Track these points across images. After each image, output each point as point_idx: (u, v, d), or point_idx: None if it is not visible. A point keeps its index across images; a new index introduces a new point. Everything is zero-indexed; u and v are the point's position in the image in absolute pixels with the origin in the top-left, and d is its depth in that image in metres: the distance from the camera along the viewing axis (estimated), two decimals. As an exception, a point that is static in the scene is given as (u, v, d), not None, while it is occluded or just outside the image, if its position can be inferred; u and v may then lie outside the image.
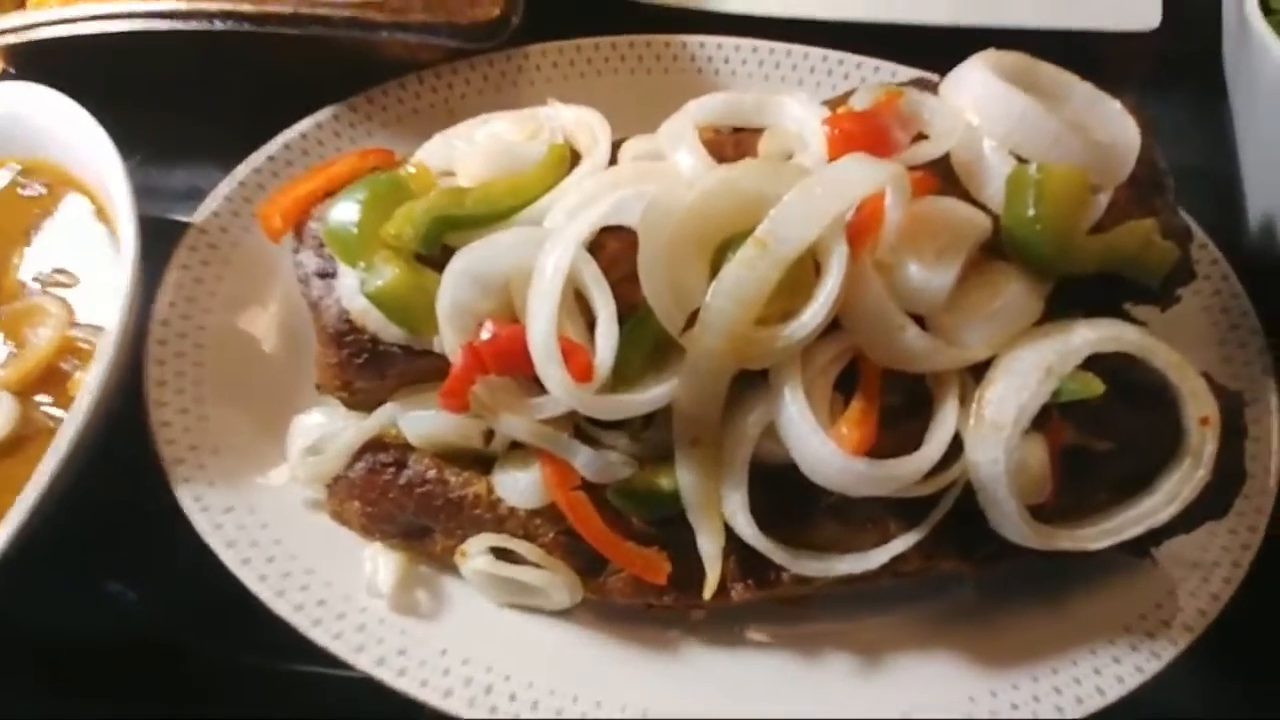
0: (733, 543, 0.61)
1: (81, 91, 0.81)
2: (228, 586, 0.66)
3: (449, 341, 0.57)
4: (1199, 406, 0.56)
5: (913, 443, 0.58)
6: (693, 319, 0.54)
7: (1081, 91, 0.63)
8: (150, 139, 0.96)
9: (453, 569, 0.69)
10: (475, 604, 0.68)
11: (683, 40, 0.89)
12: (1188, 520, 0.61)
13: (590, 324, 0.57)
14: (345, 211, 0.59)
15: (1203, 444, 0.56)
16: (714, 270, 0.55)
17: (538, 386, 0.57)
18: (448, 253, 0.59)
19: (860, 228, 0.53)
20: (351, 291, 0.60)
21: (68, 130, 0.80)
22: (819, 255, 0.54)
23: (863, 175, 0.53)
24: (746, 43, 0.89)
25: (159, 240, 0.79)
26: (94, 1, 0.83)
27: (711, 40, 0.89)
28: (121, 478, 0.71)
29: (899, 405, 0.58)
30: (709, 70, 0.89)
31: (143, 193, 0.87)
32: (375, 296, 0.57)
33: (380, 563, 0.68)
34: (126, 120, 0.78)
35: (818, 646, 0.66)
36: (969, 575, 0.64)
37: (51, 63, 0.88)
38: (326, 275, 0.62)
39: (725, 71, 0.89)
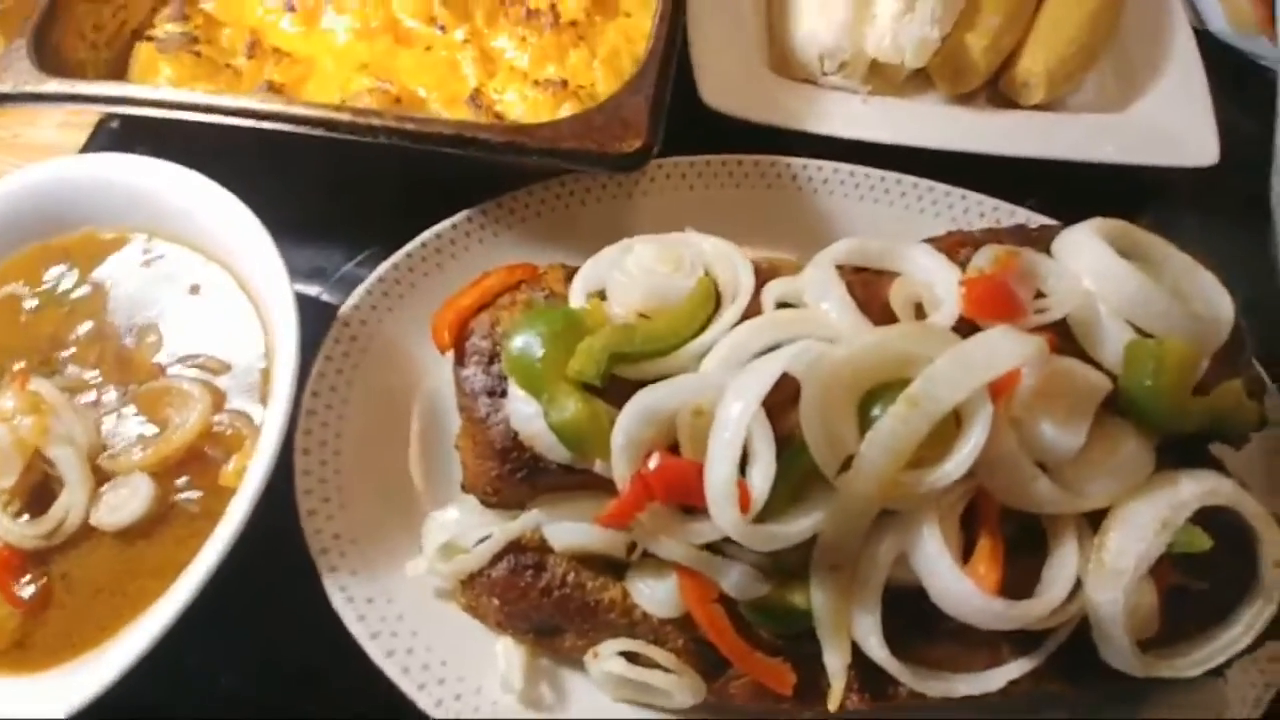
0: (856, 660, 0.65)
1: (197, 159, 0.81)
2: (352, 676, 0.68)
3: (621, 471, 0.62)
4: (1275, 551, 0.63)
5: (1027, 575, 0.63)
6: (845, 463, 0.60)
7: (1177, 260, 0.70)
8: (273, 212, 1.00)
9: (571, 661, 0.73)
10: (594, 699, 0.72)
11: (786, 161, 0.95)
12: (1253, 645, 0.67)
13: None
14: (529, 345, 0.64)
15: (1275, 585, 0.63)
16: (861, 416, 0.61)
17: (692, 512, 0.62)
18: (612, 380, 0.65)
19: (999, 386, 0.59)
20: (524, 415, 0.64)
21: (206, 209, 0.81)
22: (961, 411, 0.60)
23: (1011, 349, 0.59)
24: (844, 166, 0.96)
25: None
26: (238, 94, 0.87)
27: (813, 162, 0.95)
28: (259, 563, 0.74)
29: (1014, 540, 0.64)
30: (808, 189, 0.96)
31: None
32: (559, 428, 0.62)
33: (512, 658, 0.72)
34: (249, 191, 0.80)
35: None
36: (1069, 695, 0.69)
37: (168, 133, 0.88)
38: (495, 394, 0.67)
39: (824, 191, 0.96)
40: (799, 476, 0.62)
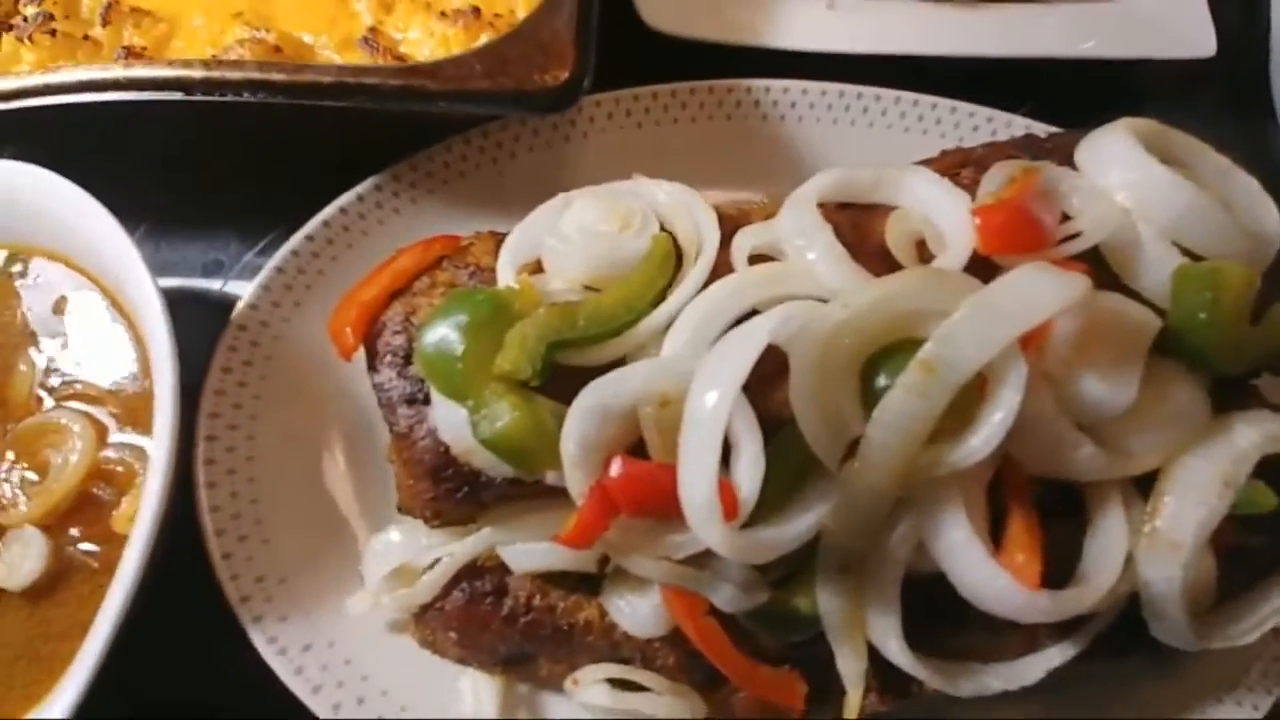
0: (870, 656, 0.55)
1: (66, 159, 0.68)
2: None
3: (576, 484, 0.49)
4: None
5: (1063, 548, 0.52)
6: (850, 448, 0.47)
7: (1214, 164, 0.57)
8: (158, 206, 0.83)
9: (553, 685, 0.62)
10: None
11: (746, 84, 0.80)
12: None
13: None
14: (445, 339, 0.50)
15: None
16: (865, 389, 0.48)
17: (671, 522, 0.50)
18: (557, 372, 0.51)
19: (1030, 337, 0.47)
20: (452, 425, 0.51)
21: (62, 212, 0.67)
22: (987, 370, 0.47)
23: (1049, 292, 0.46)
24: (815, 85, 0.80)
25: (180, 317, 0.68)
26: (84, 66, 0.70)
27: (778, 83, 0.80)
28: (179, 617, 0.61)
29: (1044, 505, 0.53)
30: (774, 115, 0.81)
31: (154, 267, 0.75)
32: (491, 441, 0.48)
33: (481, 693, 0.61)
34: (128, 185, 0.67)
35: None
36: (1103, 669, 0.59)
37: (29, 129, 0.75)
38: (416, 401, 0.53)
39: (793, 116, 0.80)
40: (794, 467, 0.49)
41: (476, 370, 0.49)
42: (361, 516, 0.65)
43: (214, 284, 0.80)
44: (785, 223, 0.55)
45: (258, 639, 0.59)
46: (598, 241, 0.54)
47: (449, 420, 0.51)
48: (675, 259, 0.55)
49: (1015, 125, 0.79)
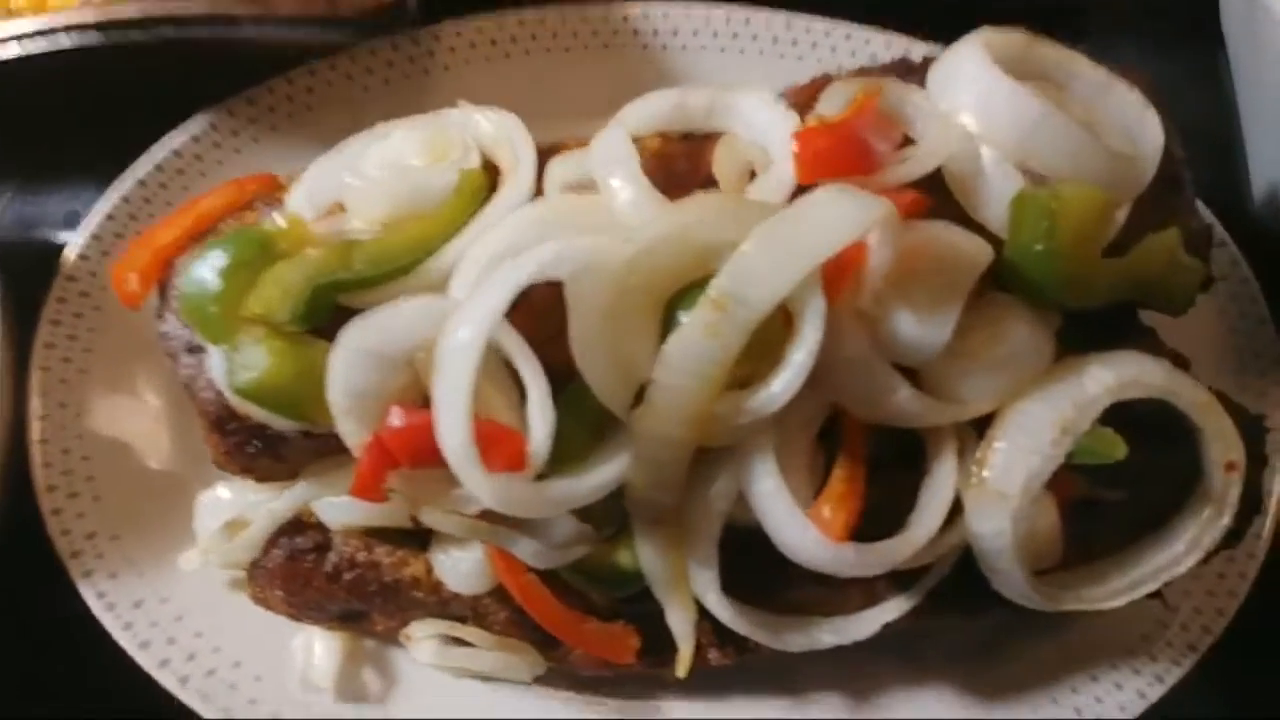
0: (705, 610, 0.53)
1: None
2: (150, 692, 0.57)
3: (349, 434, 0.46)
4: (1225, 450, 0.48)
5: (906, 498, 0.49)
6: (643, 394, 0.44)
7: (1088, 78, 0.51)
8: (27, 163, 0.81)
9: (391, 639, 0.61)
10: (431, 676, 0.61)
11: (622, 10, 0.74)
12: (1203, 562, 0.54)
13: (521, 390, 0.47)
14: (202, 280, 0.46)
15: (1227, 490, 0.49)
16: (666, 330, 0.45)
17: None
18: (344, 315, 0.48)
19: (837, 271, 0.43)
20: (223, 374, 0.48)
21: None
22: (789, 306, 0.43)
23: (845, 218, 0.41)
24: (698, 9, 0.74)
25: (36, 273, 0.66)
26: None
27: (656, 7, 0.74)
28: (14, 580, 0.61)
29: (887, 453, 0.49)
30: (654, 44, 0.75)
31: (19, 224, 0.73)
32: (247, 391, 0.46)
33: (316, 650, 0.59)
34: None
35: (805, 694, 0.60)
36: (961, 626, 0.57)
37: None
38: (196, 349, 0.50)
39: (674, 45, 0.75)
40: (593, 416, 0.46)
41: (234, 313, 0.46)
42: (195, 472, 0.63)
43: (73, 235, 0.78)
44: (595, 150, 0.50)
45: (88, 594, 0.58)
46: (401, 177, 0.50)
47: (221, 369, 0.48)
48: (490, 191, 0.51)
49: (915, 52, 0.73)
